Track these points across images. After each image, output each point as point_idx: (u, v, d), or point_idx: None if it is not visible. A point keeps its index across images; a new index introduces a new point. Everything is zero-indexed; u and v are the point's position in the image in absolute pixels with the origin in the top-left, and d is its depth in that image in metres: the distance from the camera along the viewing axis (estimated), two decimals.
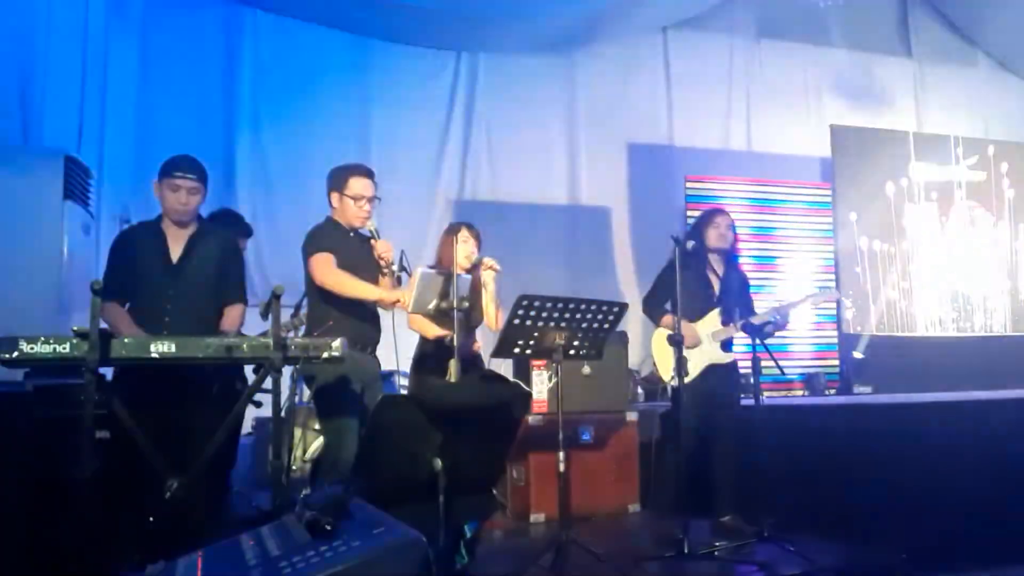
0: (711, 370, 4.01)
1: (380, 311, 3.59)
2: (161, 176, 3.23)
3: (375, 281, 3.48)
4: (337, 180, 3.55)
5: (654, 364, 4.23)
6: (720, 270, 4.17)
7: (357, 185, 3.51)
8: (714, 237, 4.13)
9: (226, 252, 3.41)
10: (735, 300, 4.13)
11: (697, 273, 4.09)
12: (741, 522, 3.91)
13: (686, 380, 3.76)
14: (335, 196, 3.54)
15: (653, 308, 4.15)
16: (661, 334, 4.11)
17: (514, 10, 6.32)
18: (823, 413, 4.65)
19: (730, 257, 4.20)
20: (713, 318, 4.06)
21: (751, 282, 4.43)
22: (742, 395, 4.14)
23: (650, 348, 4.25)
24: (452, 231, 3.94)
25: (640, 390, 6.04)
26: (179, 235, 3.29)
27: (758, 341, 3.80)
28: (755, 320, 3.95)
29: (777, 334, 4.00)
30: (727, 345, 4.11)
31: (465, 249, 3.89)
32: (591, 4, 6.52)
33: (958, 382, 5.94)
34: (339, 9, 6.17)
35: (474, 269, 3.94)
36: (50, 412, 2.94)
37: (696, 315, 4.06)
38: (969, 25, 8.33)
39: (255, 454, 5.25)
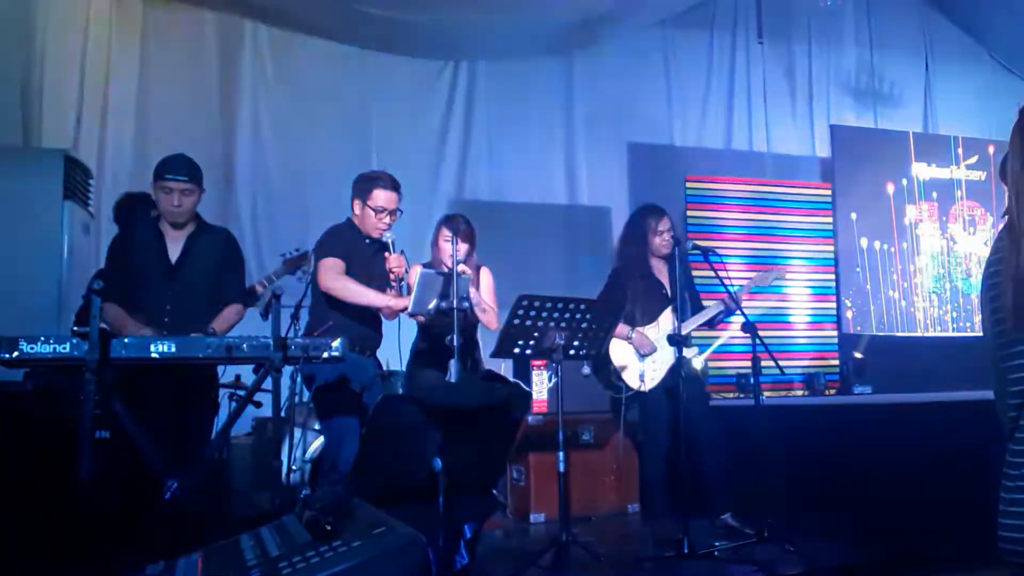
0: (674, 370, 4.00)
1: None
2: (154, 178, 3.22)
3: (382, 290, 3.46)
4: (362, 189, 3.52)
5: (617, 374, 4.18)
6: (665, 269, 4.18)
7: (381, 197, 3.49)
8: (657, 243, 4.15)
9: (226, 252, 3.40)
10: (686, 297, 4.15)
11: (645, 278, 4.11)
12: (741, 522, 3.92)
13: (651, 385, 4.02)
14: (357, 204, 3.53)
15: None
16: (618, 344, 4.14)
17: (511, 17, 6.30)
18: (823, 413, 4.65)
19: (675, 255, 4.17)
20: (667, 318, 4.09)
21: (749, 280, 4.43)
22: (711, 394, 4.20)
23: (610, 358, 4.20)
24: (437, 228, 3.88)
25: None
26: (177, 235, 3.28)
27: (758, 341, 3.81)
28: (704, 314, 4.08)
29: (777, 334, 4.02)
30: (688, 340, 4.11)
31: (448, 248, 3.85)
32: (591, 4, 6.50)
33: (958, 382, 5.92)
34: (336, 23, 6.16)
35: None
36: (50, 412, 2.93)
37: (650, 318, 4.11)
38: (974, 25, 8.31)
39: (255, 454, 5.23)
